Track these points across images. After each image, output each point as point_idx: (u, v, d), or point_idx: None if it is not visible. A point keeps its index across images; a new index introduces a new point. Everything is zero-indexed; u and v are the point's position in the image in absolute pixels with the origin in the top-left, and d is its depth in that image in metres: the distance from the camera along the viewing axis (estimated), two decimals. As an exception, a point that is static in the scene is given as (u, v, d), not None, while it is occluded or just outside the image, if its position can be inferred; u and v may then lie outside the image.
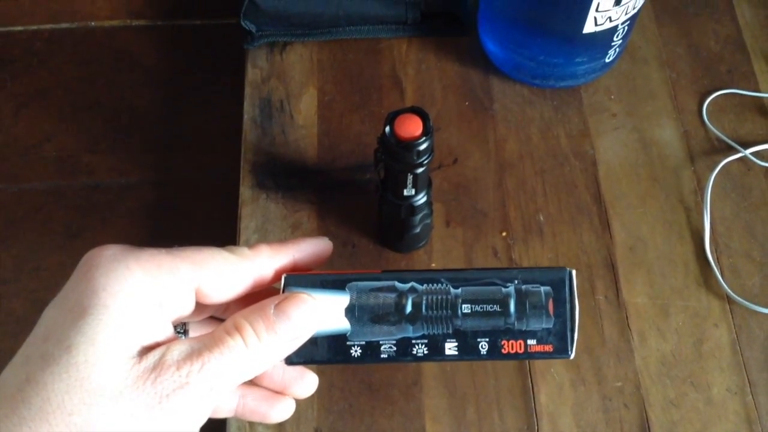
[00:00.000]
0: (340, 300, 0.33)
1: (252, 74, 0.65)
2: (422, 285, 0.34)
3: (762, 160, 0.61)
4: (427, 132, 0.46)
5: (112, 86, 0.87)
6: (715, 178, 0.60)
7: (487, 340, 0.33)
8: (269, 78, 0.65)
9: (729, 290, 0.55)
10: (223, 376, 0.29)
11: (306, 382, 0.38)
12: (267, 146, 0.61)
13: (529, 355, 0.34)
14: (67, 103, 0.86)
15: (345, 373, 0.52)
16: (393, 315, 0.33)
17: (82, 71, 0.88)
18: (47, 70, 0.88)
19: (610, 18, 0.56)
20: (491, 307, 0.33)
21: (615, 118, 0.64)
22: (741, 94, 0.65)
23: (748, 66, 0.67)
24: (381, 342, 0.33)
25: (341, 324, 0.33)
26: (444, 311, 0.33)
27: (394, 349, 0.33)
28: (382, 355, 0.33)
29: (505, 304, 0.33)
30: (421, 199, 0.52)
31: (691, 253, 0.58)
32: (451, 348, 0.33)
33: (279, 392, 0.37)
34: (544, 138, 0.63)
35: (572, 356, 0.33)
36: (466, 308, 0.33)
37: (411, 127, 0.46)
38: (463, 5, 0.66)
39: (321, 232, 0.58)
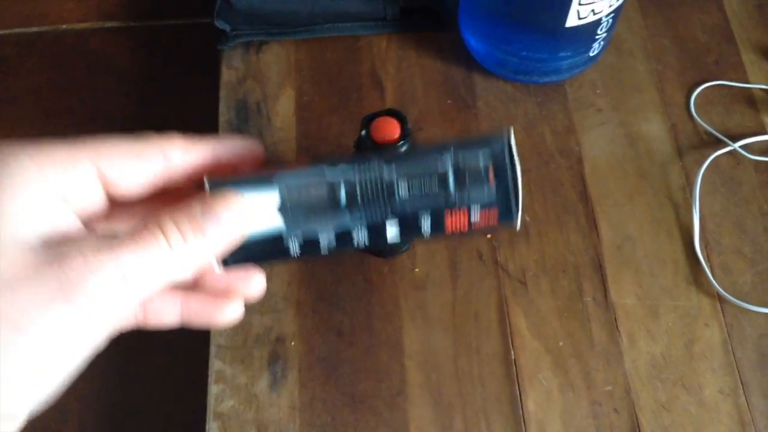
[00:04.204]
0: (270, 198, 0.31)
1: (227, 75, 0.63)
2: (354, 169, 0.31)
3: (751, 153, 0.60)
4: (405, 135, 0.44)
5: (85, 91, 0.85)
6: (703, 172, 0.59)
7: (429, 217, 0.32)
8: (245, 79, 0.63)
9: (720, 288, 0.54)
10: (140, 272, 0.27)
11: (252, 282, 0.36)
12: (244, 150, 0.60)
13: (472, 231, 0.32)
14: (39, 110, 0.84)
15: (327, 384, 0.51)
16: (327, 207, 0.31)
17: (54, 76, 0.86)
18: (17, 76, 0.86)
19: (593, 10, 0.54)
20: (428, 182, 0.31)
21: (601, 113, 0.62)
22: (729, 86, 0.64)
23: (736, 56, 0.65)
24: (319, 235, 0.32)
25: (275, 222, 0.31)
26: (380, 194, 0.31)
27: (334, 241, 0.32)
28: (322, 250, 0.32)
29: (443, 178, 0.31)
30: (401, 203, 0.50)
31: (681, 251, 0.56)
32: (392, 231, 0.32)
33: (224, 295, 0.35)
34: (528, 136, 0.61)
35: (518, 226, 0.32)
36: (402, 187, 0.31)
37: (388, 130, 0.44)
38: (443, 0, 0.64)
39: (301, 238, 0.56)
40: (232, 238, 0.30)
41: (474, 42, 0.62)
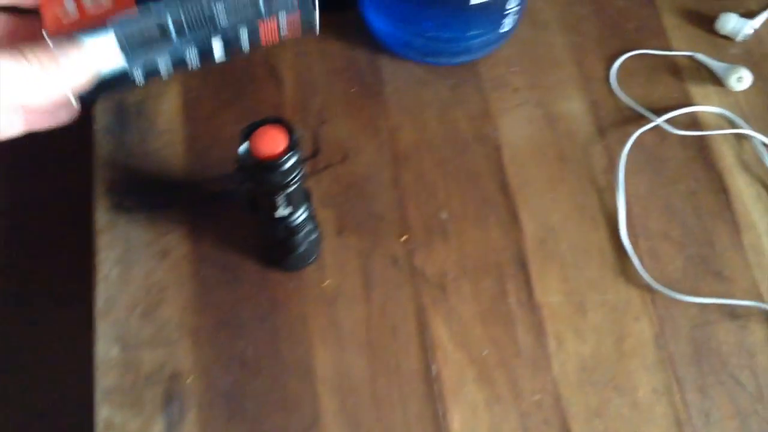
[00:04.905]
0: (109, 40, 0.35)
1: (101, 74, 0.56)
2: (178, 3, 0.35)
3: (677, 128, 0.56)
4: (293, 146, 0.39)
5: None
6: (627, 152, 0.55)
7: (246, 30, 0.37)
8: (122, 77, 0.56)
9: (649, 278, 0.51)
10: (10, 81, 0.31)
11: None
12: (124, 159, 0.53)
13: (282, 39, 0.39)
14: None
15: (232, 422, 0.46)
16: (160, 40, 0.36)
17: None
18: None
19: (500, -15, 0.49)
20: (243, 2, 0.36)
21: (517, 93, 0.57)
22: (651, 55, 0.60)
23: (656, 21, 0.61)
24: (158, 64, 0.37)
25: (118, 60, 0.36)
26: (203, 20, 0.36)
27: (171, 65, 0.37)
28: (162, 74, 0.37)
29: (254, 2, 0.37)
30: (300, 216, 0.45)
31: (606, 240, 0.53)
32: (218, 49, 0.37)
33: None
34: (441, 123, 0.56)
35: (317, 31, 0.39)
36: (221, 10, 0.36)
37: (272, 142, 0.39)
38: (340, -25, 0.58)
39: (195, 256, 0.51)
40: (83, 75, 0.34)
41: (377, 22, 0.56)
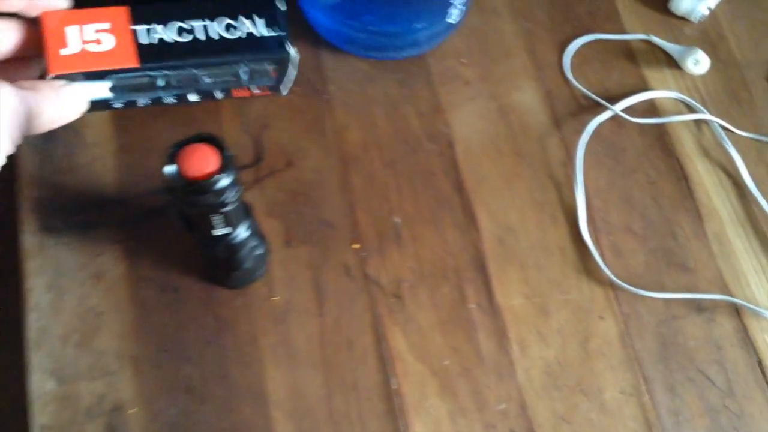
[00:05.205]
0: (104, 85, 0.38)
1: (22, 84, 0.52)
2: (171, 68, 0.39)
3: (634, 115, 0.54)
4: (226, 165, 0.36)
5: None
6: (584, 143, 0.53)
7: (221, 93, 0.41)
8: (45, 86, 0.52)
9: (611, 275, 0.49)
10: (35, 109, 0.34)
11: None
12: (51, 176, 0.49)
13: (253, 95, 0.42)
14: None
15: (179, 455, 0.43)
16: (147, 88, 0.39)
17: None
18: None
19: (444, -26, 0.46)
20: (227, 77, 0.40)
21: (469, 86, 0.55)
22: (605, 39, 0.57)
23: (609, 4, 0.59)
24: (138, 101, 0.40)
25: (106, 94, 0.39)
26: (190, 82, 0.40)
27: (149, 102, 0.40)
28: (139, 105, 0.40)
29: (237, 75, 0.40)
30: (241, 233, 0.42)
31: (567, 236, 0.51)
32: (194, 98, 0.41)
33: None
34: (390, 120, 0.53)
35: (285, 93, 0.42)
36: (206, 78, 0.40)
37: (202, 161, 0.35)
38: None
39: (132, 278, 0.47)
40: (77, 110, 0.37)
41: (318, 17, 0.53)
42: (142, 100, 0.40)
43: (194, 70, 0.39)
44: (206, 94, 0.41)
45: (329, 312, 0.47)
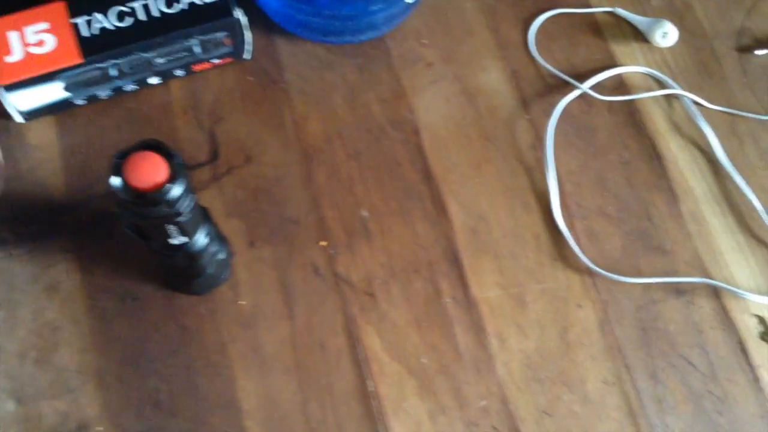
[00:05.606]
0: (57, 86, 0.39)
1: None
2: (119, 56, 0.39)
3: (603, 93, 0.52)
4: (176, 174, 0.33)
5: None
6: (554, 124, 0.51)
7: (182, 70, 0.42)
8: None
9: (588, 261, 0.48)
10: None
11: None
12: (-7, 185, 0.46)
13: (215, 66, 0.44)
14: None
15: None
16: (102, 80, 0.40)
17: None
18: None
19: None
20: (180, 54, 0.41)
21: (431, 68, 0.53)
22: (570, 14, 0.56)
23: (572, -24, 0.57)
24: (98, 94, 0.41)
25: (64, 94, 0.40)
26: (143, 66, 0.40)
27: (111, 93, 0.42)
28: (101, 98, 0.42)
29: (189, 49, 0.41)
30: (200, 240, 0.39)
31: (540, 223, 0.49)
32: (154, 80, 0.42)
33: None
34: (351, 108, 0.51)
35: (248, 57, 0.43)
36: (160, 59, 0.41)
37: (149, 171, 0.33)
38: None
39: (89, 288, 0.44)
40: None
41: (270, 1, 0.50)
42: (103, 93, 0.41)
43: (143, 54, 0.40)
44: (165, 75, 0.42)
45: (299, 314, 0.45)
